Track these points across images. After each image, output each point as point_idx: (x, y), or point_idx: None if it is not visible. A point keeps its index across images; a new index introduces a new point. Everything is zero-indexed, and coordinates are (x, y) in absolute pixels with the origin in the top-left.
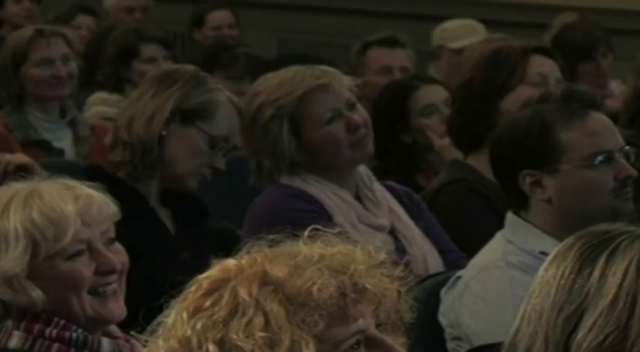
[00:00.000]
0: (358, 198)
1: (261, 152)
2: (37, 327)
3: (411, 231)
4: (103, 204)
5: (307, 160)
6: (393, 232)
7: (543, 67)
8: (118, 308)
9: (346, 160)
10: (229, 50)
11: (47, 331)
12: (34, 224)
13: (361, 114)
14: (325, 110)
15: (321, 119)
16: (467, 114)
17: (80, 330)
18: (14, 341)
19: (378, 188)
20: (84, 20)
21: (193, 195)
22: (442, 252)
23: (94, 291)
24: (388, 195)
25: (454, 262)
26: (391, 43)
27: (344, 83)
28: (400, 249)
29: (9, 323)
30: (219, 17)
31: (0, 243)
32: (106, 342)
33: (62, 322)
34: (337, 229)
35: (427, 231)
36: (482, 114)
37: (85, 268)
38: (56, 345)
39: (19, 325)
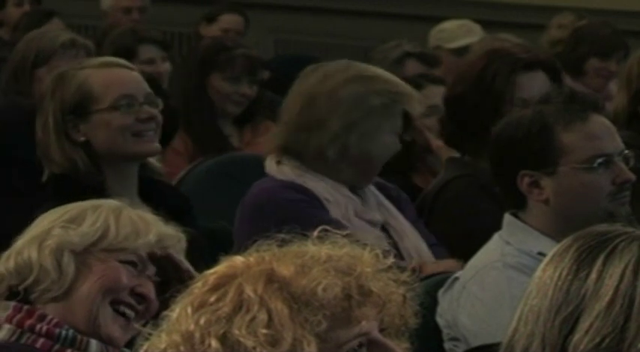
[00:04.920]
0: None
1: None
2: (29, 322)
3: (402, 224)
4: (178, 248)
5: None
6: (384, 227)
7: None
8: (119, 333)
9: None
10: (227, 51)
11: (38, 326)
12: (116, 219)
13: None
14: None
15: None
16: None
17: (71, 330)
18: (2, 334)
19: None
20: (55, 24)
21: (176, 192)
22: (429, 246)
23: (115, 305)
24: (376, 191)
25: (441, 255)
26: (432, 62)
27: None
28: (392, 244)
29: (1, 317)
30: (232, 20)
31: (77, 220)
32: (94, 344)
33: (55, 320)
34: (343, 230)
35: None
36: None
37: (128, 277)
38: (42, 340)
39: (12, 319)
